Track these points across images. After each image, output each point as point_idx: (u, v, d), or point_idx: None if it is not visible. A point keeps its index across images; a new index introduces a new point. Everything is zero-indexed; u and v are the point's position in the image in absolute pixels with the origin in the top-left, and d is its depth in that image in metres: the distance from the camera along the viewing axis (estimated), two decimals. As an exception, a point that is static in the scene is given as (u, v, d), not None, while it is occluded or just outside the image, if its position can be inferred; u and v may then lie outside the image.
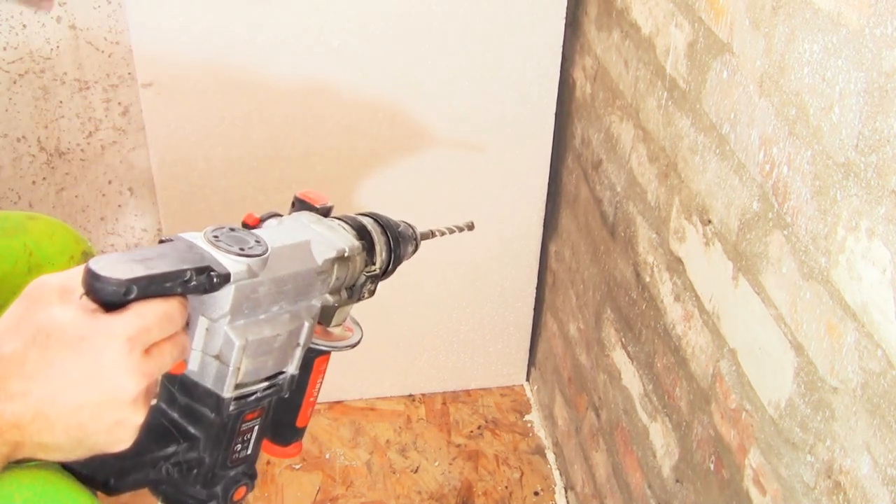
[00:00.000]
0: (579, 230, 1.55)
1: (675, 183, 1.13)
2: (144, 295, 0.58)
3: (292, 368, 0.70)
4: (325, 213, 0.79)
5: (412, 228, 0.88)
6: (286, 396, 0.71)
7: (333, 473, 1.69)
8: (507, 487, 1.68)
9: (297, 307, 0.68)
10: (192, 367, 0.64)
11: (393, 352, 1.82)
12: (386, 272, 0.83)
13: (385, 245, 0.81)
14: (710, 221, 1.04)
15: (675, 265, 1.14)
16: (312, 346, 0.73)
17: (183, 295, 0.61)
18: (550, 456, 1.76)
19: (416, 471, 1.71)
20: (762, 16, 0.90)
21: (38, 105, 1.71)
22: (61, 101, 1.72)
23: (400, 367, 1.83)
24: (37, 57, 1.66)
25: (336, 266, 0.72)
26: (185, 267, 0.60)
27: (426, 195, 1.61)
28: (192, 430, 0.66)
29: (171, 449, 0.66)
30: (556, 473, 1.72)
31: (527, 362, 1.90)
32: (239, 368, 0.64)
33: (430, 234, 0.93)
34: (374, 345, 1.83)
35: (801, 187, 0.84)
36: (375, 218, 0.83)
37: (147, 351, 0.58)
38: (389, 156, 1.57)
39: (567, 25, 1.50)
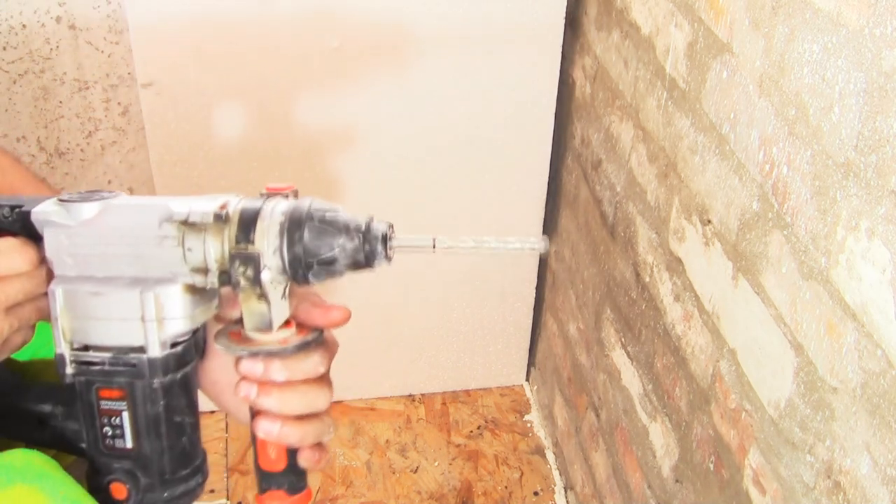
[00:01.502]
0: (579, 230, 1.55)
1: (675, 183, 1.13)
2: None
3: (153, 350, 0.62)
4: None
5: (365, 227, 0.60)
6: (155, 385, 0.63)
7: (333, 473, 1.69)
8: (506, 487, 1.68)
9: (140, 275, 0.62)
10: None
11: (393, 352, 1.81)
12: (290, 263, 0.62)
13: (278, 227, 0.61)
14: (709, 221, 1.04)
15: (675, 265, 1.14)
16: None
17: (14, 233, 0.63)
18: (550, 456, 1.76)
19: (415, 471, 1.71)
20: (762, 16, 0.90)
21: (38, 105, 1.71)
22: (61, 101, 1.72)
23: (400, 367, 1.83)
24: (37, 57, 1.66)
25: (185, 234, 0.61)
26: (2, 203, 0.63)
27: (426, 195, 1.61)
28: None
29: (48, 407, 0.64)
30: (556, 473, 1.72)
31: (526, 362, 1.90)
32: (58, 319, 0.62)
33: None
34: (373, 345, 1.84)
35: (800, 187, 0.84)
36: (296, 196, 0.64)
37: None
38: (389, 156, 1.57)
39: (567, 25, 1.50)
